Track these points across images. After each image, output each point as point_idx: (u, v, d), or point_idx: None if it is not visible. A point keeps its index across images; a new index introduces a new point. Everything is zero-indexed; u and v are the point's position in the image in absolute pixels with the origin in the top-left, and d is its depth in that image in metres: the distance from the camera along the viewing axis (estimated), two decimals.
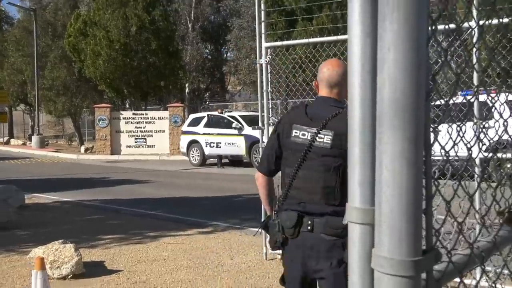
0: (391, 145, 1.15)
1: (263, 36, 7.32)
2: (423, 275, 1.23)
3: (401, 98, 1.14)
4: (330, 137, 3.31)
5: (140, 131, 27.78)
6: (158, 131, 27.54)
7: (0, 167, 23.41)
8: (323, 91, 3.52)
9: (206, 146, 21.82)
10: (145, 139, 27.76)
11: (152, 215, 11.34)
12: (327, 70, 3.52)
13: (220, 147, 21.46)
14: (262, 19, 7.32)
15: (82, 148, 30.76)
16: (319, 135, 3.35)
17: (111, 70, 28.11)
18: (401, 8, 1.13)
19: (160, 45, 28.57)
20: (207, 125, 22.26)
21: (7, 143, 37.28)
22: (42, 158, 27.91)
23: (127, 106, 31.44)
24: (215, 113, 24.02)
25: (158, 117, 27.95)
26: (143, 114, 28.49)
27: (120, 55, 27.98)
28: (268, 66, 7.22)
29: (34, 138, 33.50)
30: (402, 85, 1.14)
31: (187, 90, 37.96)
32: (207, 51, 41.58)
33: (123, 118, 28.08)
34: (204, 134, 22.01)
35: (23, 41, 34.51)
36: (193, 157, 22.46)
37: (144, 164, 23.80)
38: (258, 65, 7.40)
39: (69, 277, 6.60)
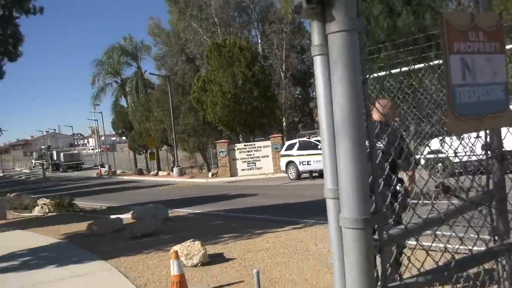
0: (343, 146, 1.39)
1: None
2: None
3: (346, 117, 1.38)
4: None
5: (251, 158, 28.30)
6: (264, 156, 27.93)
7: (152, 192, 24.51)
8: None
9: (300, 164, 22.23)
10: (255, 163, 28.22)
11: (259, 218, 11.62)
12: None
13: (310, 164, 21.71)
14: None
15: (210, 174, 31.52)
16: None
17: (226, 114, 28.90)
18: (340, 62, 1.38)
19: (260, 92, 29.05)
20: (299, 148, 22.64)
21: (156, 174, 38.69)
22: (181, 184, 28.87)
23: (240, 140, 32.04)
24: (304, 139, 24.46)
25: (263, 146, 28.41)
26: (252, 145, 29.05)
27: (231, 103, 28.72)
28: None
29: (175, 169, 34.71)
30: (346, 108, 1.38)
31: (284, 123, 38.38)
32: (297, 92, 41.82)
33: (237, 149, 28.73)
34: (297, 155, 22.43)
35: (162, 99, 35.95)
36: (290, 173, 22.84)
37: (255, 182, 24.19)
38: None
39: (199, 265, 6.99)
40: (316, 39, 1.48)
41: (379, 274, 1.52)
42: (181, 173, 34.27)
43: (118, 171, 46.77)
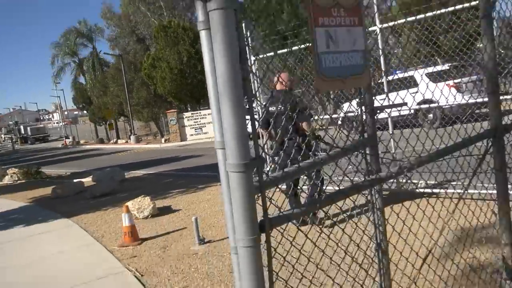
0: (224, 105, 1.44)
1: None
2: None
3: (226, 81, 1.43)
4: None
5: (198, 124, 28.08)
6: (209, 123, 27.79)
7: (112, 158, 23.97)
8: None
9: None
10: (201, 129, 28.05)
11: (203, 175, 11.64)
12: None
13: None
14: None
15: (163, 140, 31.14)
16: None
17: (174, 87, 28.41)
18: (218, 35, 1.42)
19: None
20: None
21: (115, 142, 37.83)
22: (138, 149, 28.40)
23: (188, 109, 31.63)
24: None
25: (208, 114, 28.23)
26: (198, 113, 28.76)
27: (178, 77, 28.22)
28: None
29: (132, 137, 34.03)
30: (225, 74, 1.42)
31: None
32: None
33: (186, 117, 28.36)
34: None
35: (116, 76, 34.83)
36: None
37: (202, 145, 24.10)
38: None
39: (149, 216, 7.01)
40: (200, 16, 1.50)
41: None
42: (138, 140, 33.64)
43: (82, 141, 45.27)
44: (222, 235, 5.41)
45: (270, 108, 5.39)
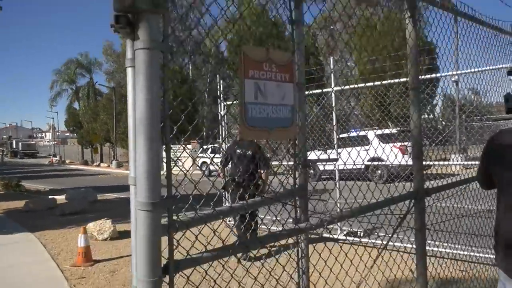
0: (139, 142, 1.29)
1: None
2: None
3: (143, 118, 1.28)
4: None
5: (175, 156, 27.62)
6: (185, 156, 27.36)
7: (92, 179, 23.17)
8: None
9: (210, 164, 21.89)
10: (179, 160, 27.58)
11: None
12: None
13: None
14: None
15: None
16: None
17: None
18: (141, 73, 1.28)
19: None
20: (211, 152, 22.34)
21: (98, 165, 36.85)
22: (117, 174, 27.64)
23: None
24: (217, 145, 24.16)
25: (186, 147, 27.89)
26: (177, 147, 28.33)
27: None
28: None
29: (114, 162, 33.24)
30: (143, 111, 1.28)
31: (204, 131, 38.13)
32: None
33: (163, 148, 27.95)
34: (209, 157, 22.09)
35: (108, 106, 34.42)
36: (205, 169, 22.38)
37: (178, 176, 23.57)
38: None
39: (108, 239, 6.62)
40: (129, 53, 1.38)
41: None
42: (119, 166, 32.74)
43: (67, 161, 43.85)
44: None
45: (235, 151, 5.49)
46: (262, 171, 5.19)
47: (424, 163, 2.60)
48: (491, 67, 4.58)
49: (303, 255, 2.23)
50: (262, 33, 18.96)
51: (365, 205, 2.36)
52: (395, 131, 12.14)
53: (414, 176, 2.53)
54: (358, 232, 5.76)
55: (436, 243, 4.67)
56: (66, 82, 44.13)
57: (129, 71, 1.39)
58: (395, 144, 11.44)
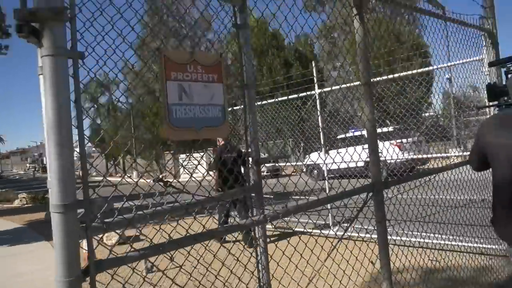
0: (49, 147, 1.25)
1: None
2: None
3: (51, 124, 1.24)
4: None
5: (190, 165, 27.68)
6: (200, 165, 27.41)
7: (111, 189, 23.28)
8: None
9: None
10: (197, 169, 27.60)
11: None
12: None
13: None
14: None
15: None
16: None
17: None
18: (48, 80, 1.25)
19: None
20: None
21: (121, 176, 37.09)
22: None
23: (186, 152, 31.37)
24: None
25: (199, 157, 27.94)
26: (191, 155, 28.38)
27: None
28: None
29: (134, 172, 33.43)
30: (51, 118, 1.24)
31: None
32: None
33: (181, 159, 28.08)
34: None
35: (125, 121, 34.60)
36: None
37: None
38: None
39: (116, 244, 6.61)
40: (39, 60, 1.34)
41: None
42: (139, 176, 32.93)
43: (94, 173, 44.34)
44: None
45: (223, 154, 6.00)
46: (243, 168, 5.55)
47: (422, 156, 2.52)
48: (461, 61, 4.45)
49: (262, 251, 2.17)
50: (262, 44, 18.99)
51: (323, 198, 2.28)
52: (391, 129, 11.96)
53: (370, 169, 2.44)
54: (318, 224, 5.68)
55: (409, 233, 4.55)
56: (87, 101, 44.85)
57: (40, 78, 1.35)
58: (392, 141, 11.26)
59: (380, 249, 2.44)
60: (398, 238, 4.21)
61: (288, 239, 2.44)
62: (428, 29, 3.38)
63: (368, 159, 2.46)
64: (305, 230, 5.09)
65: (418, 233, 4.39)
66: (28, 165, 75.37)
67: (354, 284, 2.76)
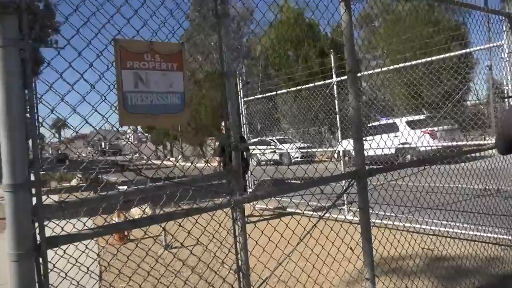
0: (1, 131, 1.30)
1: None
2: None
3: (3, 112, 1.29)
4: None
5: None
6: None
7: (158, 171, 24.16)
8: None
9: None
10: None
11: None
12: None
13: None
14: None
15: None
16: None
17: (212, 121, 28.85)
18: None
19: None
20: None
21: (168, 160, 38.32)
22: (183, 167, 28.51)
23: None
24: None
25: None
26: None
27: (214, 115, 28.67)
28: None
29: (180, 156, 34.33)
30: (4, 104, 1.29)
31: None
32: None
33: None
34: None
35: None
36: None
37: None
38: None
39: None
40: None
41: None
42: (186, 159, 33.90)
43: (144, 157, 46.30)
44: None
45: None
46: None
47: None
48: (480, 47, 4.12)
49: (240, 232, 2.16)
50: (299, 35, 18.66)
51: (305, 182, 2.23)
52: (423, 117, 11.40)
53: (354, 156, 2.33)
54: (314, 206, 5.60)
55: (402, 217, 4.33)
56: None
57: None
58: (424, 129, 10.80)
59: (362, 236, 2.35)
60: (390, 222, 4.04)
61: (279, 219, 2.41)
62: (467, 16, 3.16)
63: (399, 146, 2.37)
64: (296, 211, 5.21)
65: (414, 218, 4.21)
66: (88, 148, 79.99)
67: (338, 264, 2.69)
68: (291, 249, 2.30)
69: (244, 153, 6.52)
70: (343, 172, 4.51)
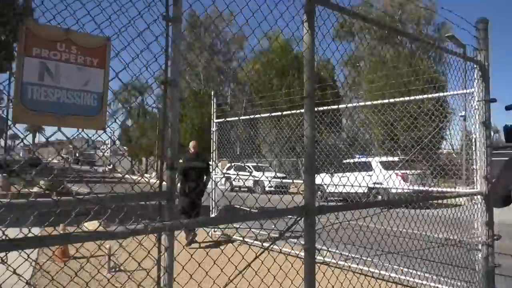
0: None
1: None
2: None
3: None
4: None
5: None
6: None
7: (127, 186, 23.43)
8: None
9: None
10: None
11: None
12: None
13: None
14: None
15: None
16: None
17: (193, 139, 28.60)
18: None
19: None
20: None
21: (141, 175, 37.50)
22: (152, 183, 27.82)
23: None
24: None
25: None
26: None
27: (199, 133, 28.37)
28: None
29: (153, 173, 33.68)
30: None
31: None
32: None
33: None
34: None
35: (154, 124, 35.05)
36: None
37: None
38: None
39: None
40: None
41: None
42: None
43: (119, 170, 45.18)
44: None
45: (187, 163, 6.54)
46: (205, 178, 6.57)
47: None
48: (452, 92, 4.09)
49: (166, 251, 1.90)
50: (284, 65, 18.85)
51: (246, 214, 2.00)
52: (397, 159, 11.46)
53: (304, 191, 2.12)
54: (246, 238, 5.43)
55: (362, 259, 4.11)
56: (120, 102, 45.96)
57: None
58: (397, 171, 10.82)
59: (305, 280, 2.10)
60: (346, 263, 3.80)
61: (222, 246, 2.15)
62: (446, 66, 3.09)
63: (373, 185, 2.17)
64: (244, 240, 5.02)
65: (372, 263, 3.99)
66: (62, 156, 77.70)
67: None
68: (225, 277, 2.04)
69: (204, 175, 6.54)
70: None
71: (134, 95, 45.40)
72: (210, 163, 6.74)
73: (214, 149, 6.91)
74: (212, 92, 7.53)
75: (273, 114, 6.17)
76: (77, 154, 62.45)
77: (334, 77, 21.04)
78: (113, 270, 4.86)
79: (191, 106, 28.91)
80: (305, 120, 2.12)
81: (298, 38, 2.23)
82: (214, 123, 7.01)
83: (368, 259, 4.58)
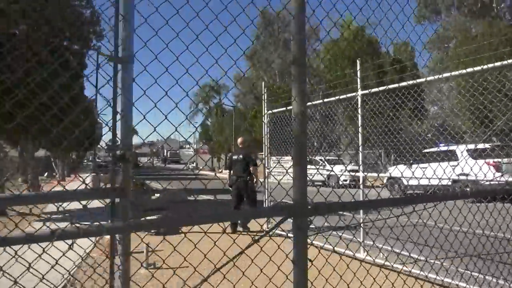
0: None
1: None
2: None
3: None
4: None
5: (281, 167, 27.42)
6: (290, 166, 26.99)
7: (206, 182, 24.24)
8: None
9: None
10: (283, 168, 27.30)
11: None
12: None
13: None
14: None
15: None
16: None
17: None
18: None
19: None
20: None
21: (221, 172, 38.71)
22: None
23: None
24: None
25: (289, 159, 27.54)
26: (282, 158, 28.18)
27: None
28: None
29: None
30: None
31: None
32: None
33: (272, 160, 28.00)
34: None
35: (229, 122, 35.92)
36: None
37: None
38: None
39: (152, 234, 6.48)
40: None
41: None
42: None
43: (201, 167, 47.24)
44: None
45: (233, 157, 7.43)
46: (251, 168, 7.14)
47: None
48: None
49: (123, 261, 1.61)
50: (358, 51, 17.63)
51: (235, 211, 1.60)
52: (488, 146, 9.88)
53: (293, 185, 1.63)
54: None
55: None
56: (201, 103, 47.94)
57: None
58: (488, 160, 9.38)
59: None
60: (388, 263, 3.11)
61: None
62: None
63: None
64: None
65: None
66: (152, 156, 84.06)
67: None
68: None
69: (250, 168, 6.89)
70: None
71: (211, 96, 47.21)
72: (259, 155, 6.99)
73: (266, 143, 6.57)
74: (263, 83, 7.18)
75: (327, 99, 5.54)
76: (167, 154, 66.98)
77: (414, 60, 19.17)
78: (152, 266, 4.80)
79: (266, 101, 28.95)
80: (293, 91, 1.63)
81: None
82: (267, 115, 6.63)
83: (437, 262, 3.80)
